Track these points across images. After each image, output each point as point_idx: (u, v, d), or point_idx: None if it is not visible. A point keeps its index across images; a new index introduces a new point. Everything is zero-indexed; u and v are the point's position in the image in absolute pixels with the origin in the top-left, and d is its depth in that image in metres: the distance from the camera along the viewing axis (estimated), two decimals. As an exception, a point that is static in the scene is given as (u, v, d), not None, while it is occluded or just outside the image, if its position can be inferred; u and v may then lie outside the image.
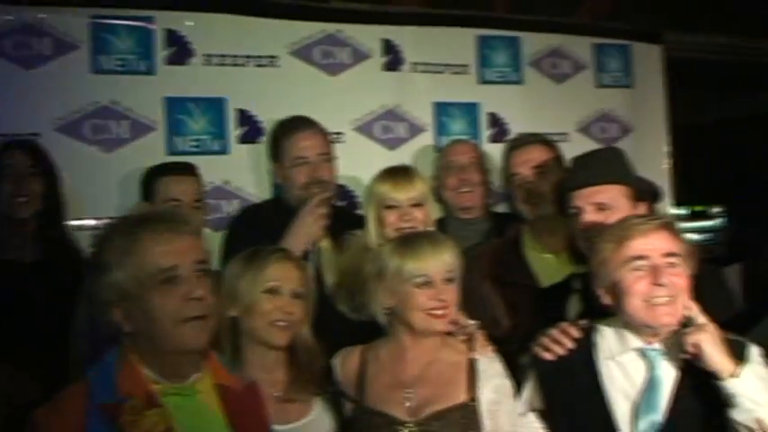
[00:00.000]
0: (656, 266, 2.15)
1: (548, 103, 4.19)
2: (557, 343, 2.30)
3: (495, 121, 4.07)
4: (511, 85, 4.14)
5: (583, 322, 2.36)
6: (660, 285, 2.13)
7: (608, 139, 4.29)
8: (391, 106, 3.87)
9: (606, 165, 2.71)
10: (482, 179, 3.51)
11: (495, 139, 4.02)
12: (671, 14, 4.56)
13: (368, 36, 3.84)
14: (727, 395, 2.06)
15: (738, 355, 2.11)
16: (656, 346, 2.20)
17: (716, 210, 6.35)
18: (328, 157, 3.23)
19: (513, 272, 3.04)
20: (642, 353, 2.21)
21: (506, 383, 2.33)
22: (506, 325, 2.90)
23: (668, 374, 2.19)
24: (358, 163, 3.60)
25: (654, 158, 4.39)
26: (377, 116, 3.84)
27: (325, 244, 3.05)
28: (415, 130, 3.92)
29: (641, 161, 4.29)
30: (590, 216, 2.61)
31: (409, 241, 2.41)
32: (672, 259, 2.16)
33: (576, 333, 2.30)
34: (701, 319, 2.15)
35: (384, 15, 3.91)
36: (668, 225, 2.23)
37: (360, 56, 3.82)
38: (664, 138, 4.50)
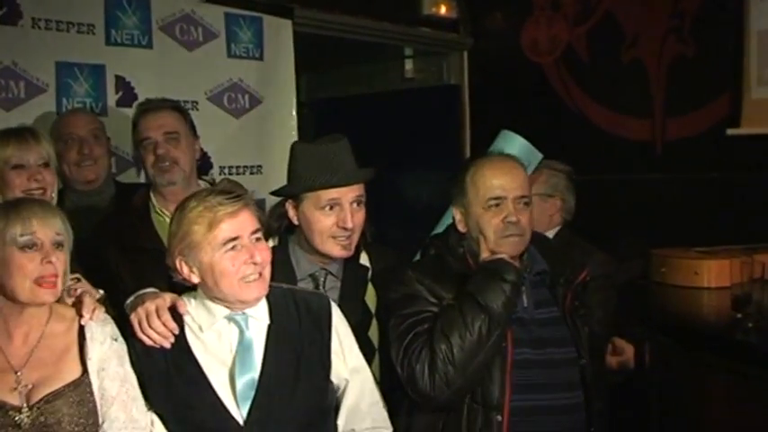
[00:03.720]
0: (247, 246, 2.22)
1: (178, 70, 4.11)
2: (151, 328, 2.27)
3: (123, 84, 3.91)
4: (140, 49, 3.99)
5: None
6: (255, 264, 2.22)
7: (238, 109, 4.33)
8: (8, 63, 3.56)
9: (353, 162, 2.71)
10: (104, 150, 3.39)
11: (122, 103, 3.88)
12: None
13: (-21, -14, 3.48)
14: None
15: None
16: (245, 310, 2.30)
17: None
18: None
19: (141, 237, 2.99)
20: (230, 318, 2.29)
21: (115, 346, 2.24)
22: (133, 290, 2.84)
23: (258, 334, 2.30)
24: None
25: (282, 131, 4.51)
26: (-10, 74, 3.52)
27: None
28: (35, 90, 3.65)
29: (270, 133, 4.46)
30: (351, 212, 2.62)
31: (16, 204, 2.22)
32: (258, 234, 2.26)
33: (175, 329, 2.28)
34: None
35: (0, -36, 3.55)
36: (250, 203, 2.29)
37: (-30, 8, 3.45)
38: (292, 111, 4.63)
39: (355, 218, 2.65)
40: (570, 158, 3.39)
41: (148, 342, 2.26)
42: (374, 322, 2.71)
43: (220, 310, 2.29)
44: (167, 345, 2.26)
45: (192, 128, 3.18)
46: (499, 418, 2.42)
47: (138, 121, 3.11)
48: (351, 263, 2.74)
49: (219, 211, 2.20)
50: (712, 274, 3.79)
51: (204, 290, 2.29)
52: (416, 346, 2.41)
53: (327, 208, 2.63)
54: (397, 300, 2.53)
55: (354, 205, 2.65)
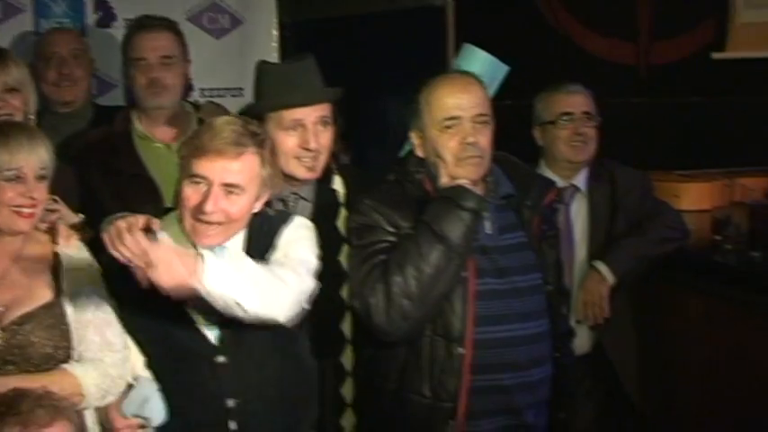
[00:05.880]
0: (210, 190, 2.15)
1: (156, -10, 4.02)
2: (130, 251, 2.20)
3: (101, 4, 3.82)
4: (118, -33, 3.90)
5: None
6: (204, 212, 2.15)
7: (218, 30, 4.21)
8: (-17, -16, 3.49)
9: (319, 81, 2.65)
10: (84, 72, 3.34)
11: (101, 23, 3.81)
12: None
13: None
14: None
15: None
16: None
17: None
18: None
19: (123, 161, 2.97)
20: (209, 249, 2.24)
21: (89, 272, 2.24)
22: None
23: None
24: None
25: (263, 53, 4.40)
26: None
27: None
28: (12, 10, 3.59)
29: (251, 55, 4.36)
30: (314, 133, 2.54)
31: (4, 131, 2.18)
32: (233, 189, 2.18)
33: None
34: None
35: None
36: (257, 147, 2.21)
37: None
38: (273, 32, 4.51)
39: (320, 139, 2.57)
40: (555, 81, 3.35)
41: (121, 259, 2.24)
42: (345, 246, 2.65)
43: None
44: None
45: (186, 51, 3.14)
46: (461, 350, 2.35)
47: (133, 39, 3.05)
48: (322, 186, 2.68)
49: (208, 146, 2.14)
50: (692, 197, 3.83)
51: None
52: (372, 278, 2.34)
53: (290, 128, 2.56)
54: (354, 229, 2.46)
55: (319, 126, 2.58)
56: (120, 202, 2.80)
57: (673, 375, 3.24)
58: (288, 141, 2.55)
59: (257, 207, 2.28)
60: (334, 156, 2.71)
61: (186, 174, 2.19)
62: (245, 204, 2.22)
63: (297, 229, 2.34)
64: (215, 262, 2.06)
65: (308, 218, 2.58)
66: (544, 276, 2.48)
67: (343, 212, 2.68)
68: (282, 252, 2.26)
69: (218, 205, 2.16)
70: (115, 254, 2.18)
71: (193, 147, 2.18)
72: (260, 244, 2.30)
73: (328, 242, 2.53)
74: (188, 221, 2.20)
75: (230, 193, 2.17)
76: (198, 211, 2.16)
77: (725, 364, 3.01)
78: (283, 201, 2.64)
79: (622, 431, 3.40)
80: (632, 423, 3.34)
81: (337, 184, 2.72)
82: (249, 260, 2.17)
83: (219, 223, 2.18)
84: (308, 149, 2.54)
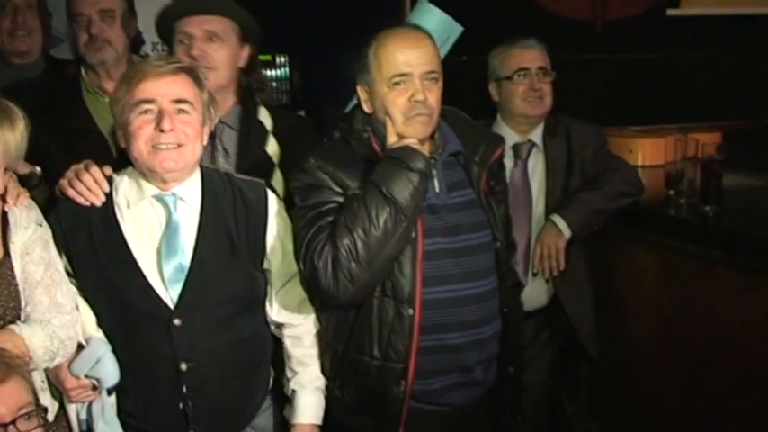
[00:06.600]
0: (162, 111, 2.15)
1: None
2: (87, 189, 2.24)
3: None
4: None
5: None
6: (163, 131, 2.14)
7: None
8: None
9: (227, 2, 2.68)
10: (38, 23, 3.28)
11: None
12: None
13: None
14: None
15: None
16: (173, 191, 2.24)
17: (281, 59, 6.53)
18: None
19: (72, 117, 2.90)
20: (159, 199, 2.24)
21: (40, 231, 2.19)
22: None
23: (189, 217, 2.25)
24: None
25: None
26: None
27: None
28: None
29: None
30: (199, 44, 2.60)
31: None
32: (182, 106, 2.18)
33: (106, 187, 2.26)
34: None
35: None
36: (188, 71, 2.24)
37: None
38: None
39: (208, 50, 2.61)
40: (510, 36, 3.33)
41: (79, 200, 2.21)
42: (278, 172, 2.68)
43: (150, 189, 2.23)
44: (98, 202, 2.22)
45: (130, 4, 3.06)
46: (411, 311, 2.30)
47: None
48: (248, 116, 2.71)
49: (144, 71, 2.16)
50: (647, 152, 3.87)
51: (134, 162, 2.23)
52: (319, 240, 2.25)
53: (181, 41, 2.63)
54: (299, 189, 2.37)
55: (207, 40, 2.62)
56: (69, 158, 2.75)
57: (627, 327, 3.29)
58: (180, 54, 2.61)
59: (205, 138, 2.28)
60: (253, 86, 2.77)
61: (130, 107, 2.17)
62: (197, 125, 2.22)
63: (285, 223, 2.37)
64: (310, 410, 2.40)
65: (235, 146, 2.66)
66: (493, 234, 2.45)
67: (271, 139, 2.71)
68: (283, 259, 2.36)
69: (174, 122, 2.15)
70: (72, 194, 2.18)
71: (129, 81, 2.17)
72: (229, 209, 2.29)
73: (259, 168, 2.55)
74: (144, 152, 2.17)
75: (181, 111, 2.18)
76: (154, 136, 2.15)
77: (678, 317, 3.05)
78: None
79: (578, 383, 3.45)
80: (588, 375, 3.39)
81: (263, 115, 2.75)
82: (311, 378, 2.41)
83: (178, 144, 2.17)
84: (193, 57, 2.58)
